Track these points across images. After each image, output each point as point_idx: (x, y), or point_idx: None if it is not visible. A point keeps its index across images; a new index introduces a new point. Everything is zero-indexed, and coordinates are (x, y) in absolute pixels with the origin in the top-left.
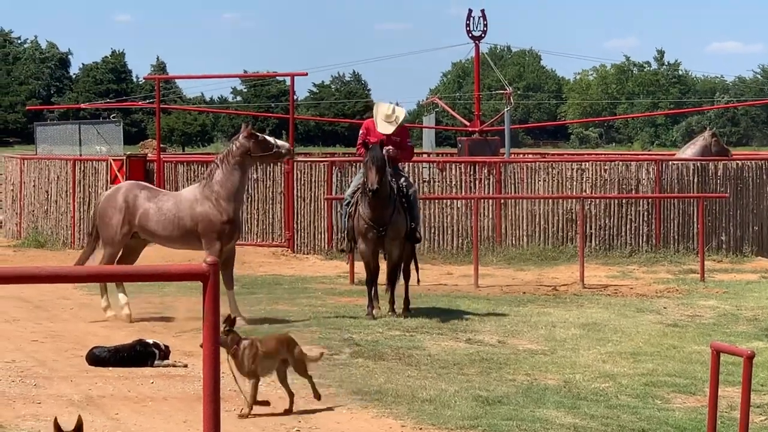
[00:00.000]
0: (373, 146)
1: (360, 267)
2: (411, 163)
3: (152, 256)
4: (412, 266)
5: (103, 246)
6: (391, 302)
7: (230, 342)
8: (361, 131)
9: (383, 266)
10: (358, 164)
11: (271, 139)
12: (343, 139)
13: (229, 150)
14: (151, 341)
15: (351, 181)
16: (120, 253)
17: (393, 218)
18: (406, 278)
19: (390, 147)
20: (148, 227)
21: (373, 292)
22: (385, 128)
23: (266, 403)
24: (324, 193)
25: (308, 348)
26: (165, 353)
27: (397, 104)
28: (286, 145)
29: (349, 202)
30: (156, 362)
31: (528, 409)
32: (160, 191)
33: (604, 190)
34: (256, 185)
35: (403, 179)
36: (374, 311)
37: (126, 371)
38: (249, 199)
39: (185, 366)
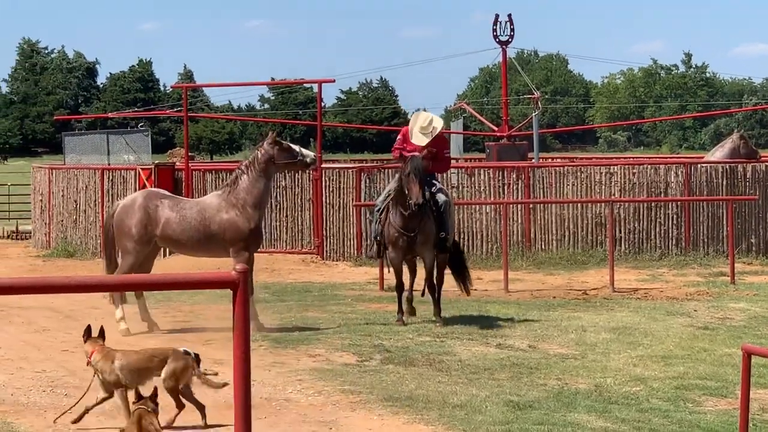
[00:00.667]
0: (413, 157)
1: (390, 273)
2: None
3: (180, 266)
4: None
5: (122, 256)
6: (436, 310)
7: (87, 350)
8: (398, 137)
9: (420, 272)
10: (386, 171)
11: (296, 147)
12: (371, 146)
13: (254, 157)
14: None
15: (381, 188)
16: (139, 263)
17: (422, 224)
18: (439, 285)
19: (425, 152)
20: (173, 236)
21: (403, 298)
22: (420, 140)
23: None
24: (353, 200)
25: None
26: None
27: (425, 111)
28: (312, 154)
29: (380, 208)
30: None
31: (559, 413)
32: (182, 199)
33: (632, 194)
34: (284, 193)
35: (435, 187)
36: (404, 317)
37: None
38: (278, 207)
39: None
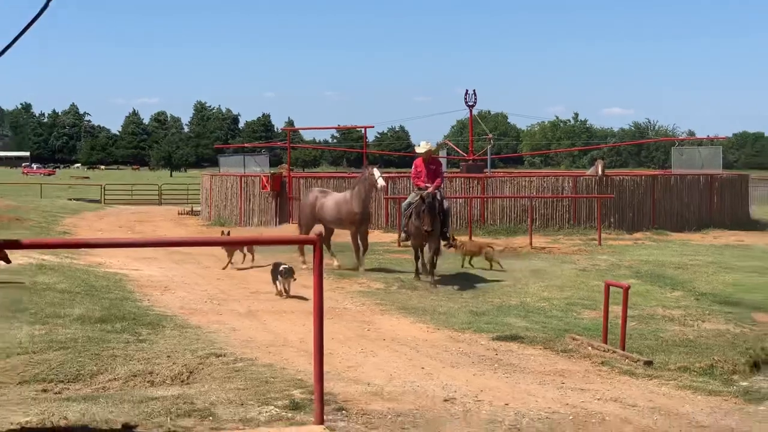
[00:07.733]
0: (430, 195)
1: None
2: None
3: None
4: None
5: (298, 227)
6: (432, 276)
7: None
8: (413, 170)
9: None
10: (402, 179)
11: (376, 174)
12: (397, 164)
13: (365, 177)
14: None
15: (401, 189)
16: (309, 230)
17: (434, 225)
18: (437, 260)
19: (432, 190)
20: (323, 216)
21: (419, 264)
22: (423, 149)
23: None
24: (383, 195)
25: None
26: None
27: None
28: (383, 183)
29: (407, 210)
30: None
31: (500, 318)
32: (329, 193)
33: (543, 192)
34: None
35: (440, 195)
36: (421, 276)
37: (271, 296)
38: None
39: (306, 300)
